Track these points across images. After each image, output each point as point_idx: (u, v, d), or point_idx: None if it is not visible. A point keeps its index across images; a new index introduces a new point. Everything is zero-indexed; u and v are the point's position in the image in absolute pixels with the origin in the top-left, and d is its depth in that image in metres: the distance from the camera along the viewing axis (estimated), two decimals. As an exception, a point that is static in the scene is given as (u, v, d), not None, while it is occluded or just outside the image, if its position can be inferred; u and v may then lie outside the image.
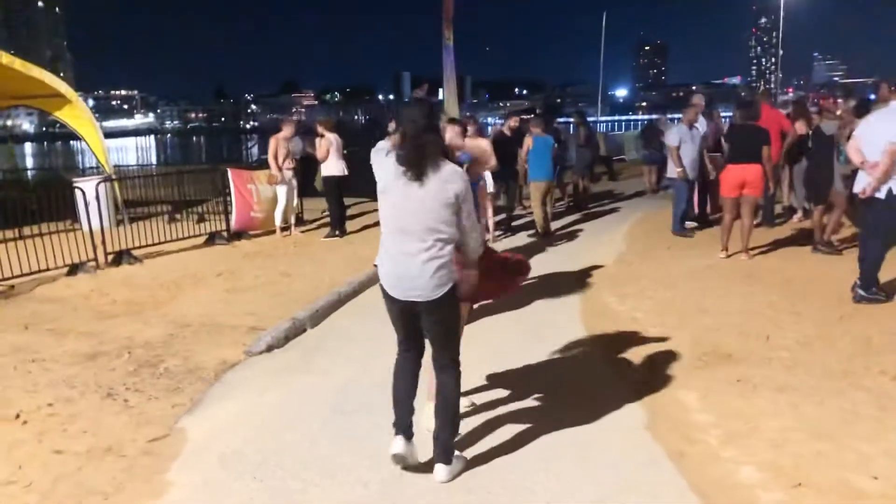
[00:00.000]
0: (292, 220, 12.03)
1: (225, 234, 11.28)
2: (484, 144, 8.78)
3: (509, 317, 6.95)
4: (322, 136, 11.29)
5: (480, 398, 4.97)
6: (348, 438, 4.48)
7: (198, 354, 6.15)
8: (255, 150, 25.87)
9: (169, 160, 30.89)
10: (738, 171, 8.62)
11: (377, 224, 12.71)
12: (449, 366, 3.99)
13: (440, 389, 4.02)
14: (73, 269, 9.12)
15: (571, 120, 20.18)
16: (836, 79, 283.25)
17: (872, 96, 12.24)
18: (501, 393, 5.08)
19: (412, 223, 3.77)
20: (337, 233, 11.50)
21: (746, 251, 8.82)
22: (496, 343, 6.17)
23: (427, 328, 3.96)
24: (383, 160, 3.91)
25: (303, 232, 12.11)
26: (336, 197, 11.54)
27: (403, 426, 4.01)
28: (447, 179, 3.76)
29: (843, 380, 5.01)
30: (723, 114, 16.58)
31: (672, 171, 10.68)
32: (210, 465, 4.18)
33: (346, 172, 11.57)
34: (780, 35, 50.10)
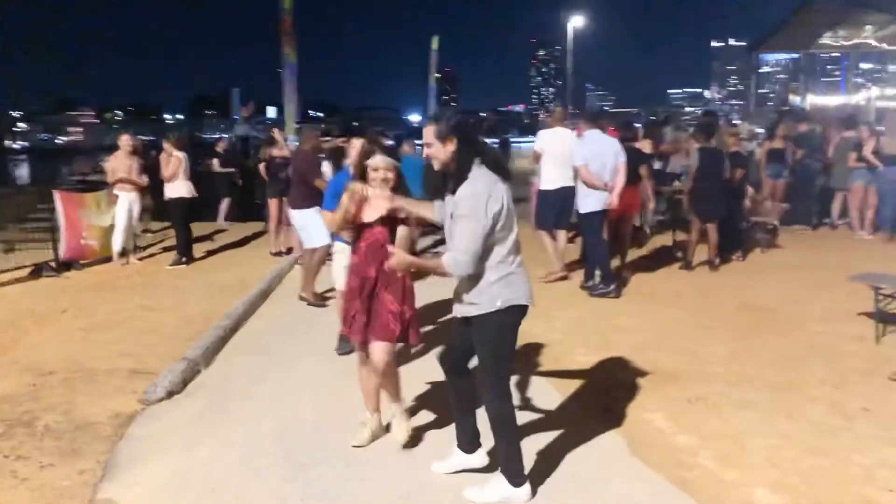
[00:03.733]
0: (131, 247, 10.81)
1: (53, 264, 9.87)
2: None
3: (429, 357, 6.37)
4: (170, 154, 10.26)
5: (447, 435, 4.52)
6: (320, 495, 3.87)
7: (79, 407, 5.18)
8: (24, 172, 23.66)
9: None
10: (621, 193, 8.72)
11: (222, 249, 11.96)
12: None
13: None
14: None
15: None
16: (606, 108, 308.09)
17: (638, 124, 13.48)
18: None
19: None
20: (184, 260, 10.46)
21: (625, 268, 9.01)
22: (435, 380, 5.68)
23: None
24: (496, 185, 3.59)
25: (140, 259, 10.91)
26: (184, 221, 10.53)
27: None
28: None
29: (791, 392, 5.11)
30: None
31: None
32: (170, 545, 3.43)
33: (195, 194, 10.61)
34: (570, 66, 53.36)
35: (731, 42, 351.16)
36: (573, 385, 5.42)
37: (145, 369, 5.94)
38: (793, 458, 4.11)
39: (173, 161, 10.18)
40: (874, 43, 23.84)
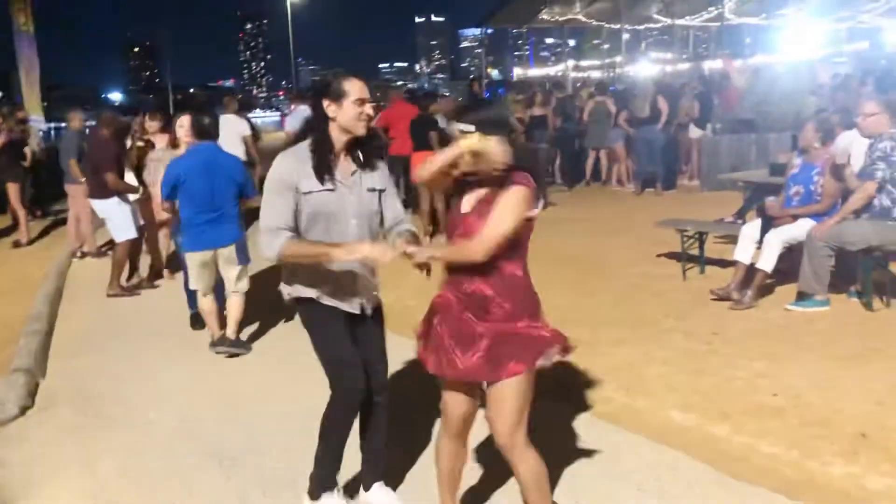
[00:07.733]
0: None
1: None
2: None
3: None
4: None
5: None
6: (278, 482, 3.68)
7: None
8: None
9: None
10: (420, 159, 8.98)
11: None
12: None
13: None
14: None
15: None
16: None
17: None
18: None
19: None
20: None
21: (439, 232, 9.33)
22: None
23: None
24: None
25: None
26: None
27: None
28: None
29: (647, 327, 5.64)
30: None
31: None
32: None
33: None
34: (292, 43, 52.78)
35: (433, 18, 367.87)
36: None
37: (-34, 388, 5.12)
38: (684, 381, 4.63)
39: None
40: (583, 18, 26.47)
